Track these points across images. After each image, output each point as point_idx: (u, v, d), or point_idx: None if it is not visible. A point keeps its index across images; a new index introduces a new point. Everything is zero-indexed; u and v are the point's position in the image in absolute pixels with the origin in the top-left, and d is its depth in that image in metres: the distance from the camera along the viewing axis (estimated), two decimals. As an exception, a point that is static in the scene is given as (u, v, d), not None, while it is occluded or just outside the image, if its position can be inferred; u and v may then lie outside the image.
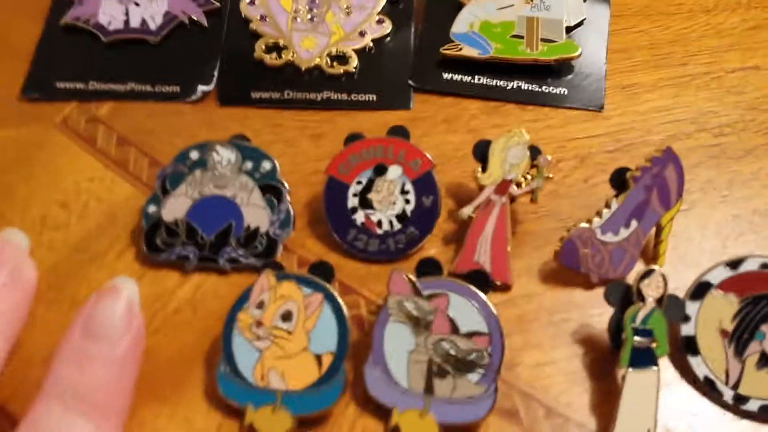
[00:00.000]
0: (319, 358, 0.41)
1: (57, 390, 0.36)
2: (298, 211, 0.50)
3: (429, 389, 0.40)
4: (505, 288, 0.46)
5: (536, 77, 0.56)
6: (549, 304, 0.46)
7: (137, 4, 0.59)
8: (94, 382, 0.37)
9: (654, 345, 0.40)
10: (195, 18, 0.58)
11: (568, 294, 0.46)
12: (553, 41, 0.56)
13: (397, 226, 0.47)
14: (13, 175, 0.52)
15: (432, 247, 0.49)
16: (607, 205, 0.46)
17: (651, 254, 0.47)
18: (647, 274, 0.41)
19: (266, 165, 0.48)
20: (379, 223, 0.48)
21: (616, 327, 0.41)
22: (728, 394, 0.41)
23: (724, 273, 0.43)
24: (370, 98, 0.55)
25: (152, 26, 0.58)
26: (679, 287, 0.45)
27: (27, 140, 0.54)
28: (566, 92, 0.55)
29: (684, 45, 0.58)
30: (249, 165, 0.48)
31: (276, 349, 0.41)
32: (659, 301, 0.41)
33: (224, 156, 0.48)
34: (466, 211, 0.47)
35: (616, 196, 0.46)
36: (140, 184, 0.51)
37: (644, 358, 0.40)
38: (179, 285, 0.47)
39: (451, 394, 0.40)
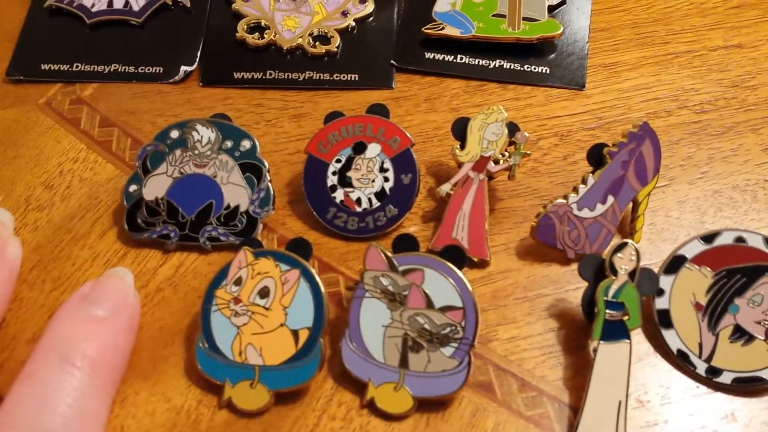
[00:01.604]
0: (295, 334, 0.41)
1: (53, 342, 0.38)
2: (279, 190, 0.50)
3: (404, 363, 0.41)
4: (483, 264, 0.47)
5: (518, 56, 0.56)
6: (525, 279, 0.46)
7: (120, -14, 0.59)
8: (90, 339, 0.39)
9: (626, 318, 0.41)
10: (178, -1, 0.58)
11: (545, 270, 0.46)
12: (536, 20, 0.56)
13: (376, 203, 0.48)
14: (-3, 156, 0.52)
15: (411, 225, 0.49)
16: (584, 181, 0.46)
17: (628, 229, 0.47)
18: (620, 247, 0.41)
19: (246, 143, 0.48)
20: (359, 201, 0.48)
21: (590, 301, 0.42)
22: (701, 367, 0.42)
23: (699, 247, 0.43)
24: (353, 78, 0.55)
25: (135, 7, 0.58)
26: (657, 262, 0.45)
27: (11, 121, 0.54)
28: (548, 71, 0.55)
29: (667, 24, 0.58)
30: (229, 144, 0.48)
31: (253, 325, 0.41)
32: (632, 274, 0.41)
33: (204, 135, 0.48)
34: (445, 188, 0.47)
35: (593, 172, 0.46)
36: (123, 164, 0.52)
37: (616, 331, 0.40)
38: (161, 263, 0.47)
39: (425, 368, 0.41)
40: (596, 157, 0.46)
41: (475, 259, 0.46)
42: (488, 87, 0.55)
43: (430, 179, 0.51)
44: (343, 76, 0.55)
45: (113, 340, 0.40)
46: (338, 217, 0.48)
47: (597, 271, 0.42)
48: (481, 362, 0.43)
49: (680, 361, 0.42)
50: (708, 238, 0.43)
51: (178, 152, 0.48)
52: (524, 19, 0.56)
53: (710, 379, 0.42)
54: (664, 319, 0.43)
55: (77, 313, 0.40)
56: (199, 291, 0.45)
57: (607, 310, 0.41)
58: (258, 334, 0.41)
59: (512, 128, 0.47)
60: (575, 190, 0.46)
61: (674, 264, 0.43)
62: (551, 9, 0.57)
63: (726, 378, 0.41)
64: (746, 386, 0.41)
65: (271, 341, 0.41)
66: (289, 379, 0.41)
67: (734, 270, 0.43)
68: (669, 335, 0.42)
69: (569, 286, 0.45)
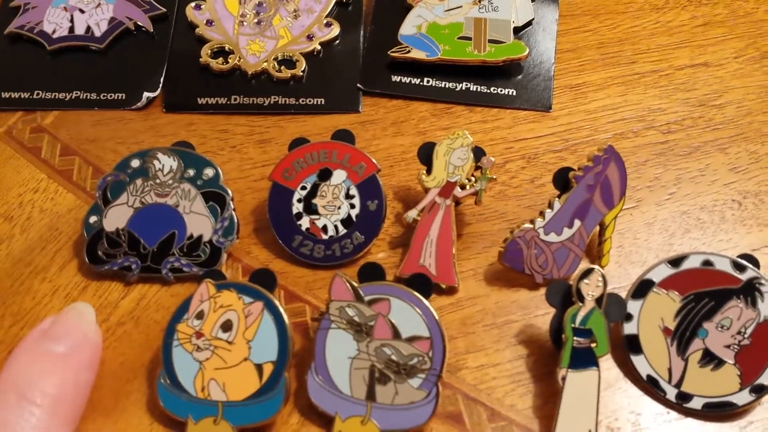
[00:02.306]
0: (259, 368, 0.40)
1: (12, 379, 0.37)
2: (244, 218, 0.49)
3: (371, 395, 0.40)
4: (451, 291, 0.46)
5: (485, 78, 0.56)
6: (494, 305, 0.46)
7: (82, 11, 0.58)
8: (49, 376, 0.38)
9: (594, 345, 0.40)
10: (141, 24, 0.58)
11: (513, 295, 0.46)
12: (501, 42, 0.56)
13: (343, 230, 0.47)
14: (-46, 188, 0.51)
15: (379, 251, 0.48)
16: (550, 206, 0.46)
17: (596, 253, 0.47)
18: (587, 273, 0.41)
19: (209, 172, 0.47)
20: (325, 229, 0.47)
21: (557, 328, 0.41)
22: (671, 393, 0.41)
23: (666, 271, 0.43)
24: (319, 102, 0.55)
25: (97, 33, 0.57)
26: (626, 285, 0.45)
27: (-31, 152, 0.53)
28: (514, 93, 0.55)
29: (633, 43, 0.58)
30: (191, 172, 0.47)
31: (216, 360, 0.40)
32: (599, 300, 0.41)
33: (165, 163, 0.47)
34: (411, 214, 0.47)
35: (559, 196, 0.46)
36: (84, 194, 0.51)
37: (584, 359, 0.40)
38: (122, 296, 0.46)
39: (393, 400, 0.40)
40: (562, 181, 0.46)
41: (444, 286, 0.46)
42: (455, 110, 0.55)
43: (398, 204, 0.50)
44: (309, 101, 0.55)
45: (73, 376, 0.38)
46: (304, 245, 0.47)
47: (564, 297, 0.41)
48: (450, 392, 0.42)
49: (650, 387, 0.42)
50: (675, 261, 0.43)
51: (139, 182, 0.47)
52: (490, 41, 0.56)
53: (680, 404, 0.41)
54: (633, 344, 0.42)
55: (36, 349, 0.39)
56: (161, 324, 0.44)
57: (575, 338, 0.40)
58: (221, 369, 0.40)
59: (478, 153, 0.47)
60: (542, 214, 0.46)
61: (642, 288, 0.43)
62: (517, 31, 0.57)
63: (696, 403, 0.41)
64: (717, 411, 0.41)
65: (234, 376, 0.40)
66: (254, 414, 0.40)
67: (702, 294, 0.43)
68: (638, 361, 0.42)
69: (538, 311, 0.45)
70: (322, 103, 0.55)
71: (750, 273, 0.43)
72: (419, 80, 0.56)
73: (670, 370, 0.42)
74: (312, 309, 0.45)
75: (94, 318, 0.42)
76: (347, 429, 0.40)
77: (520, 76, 0.56)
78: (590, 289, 0.41)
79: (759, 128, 0.54)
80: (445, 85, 0.56)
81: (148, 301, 0.46)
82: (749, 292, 0.42)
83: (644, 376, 0.42)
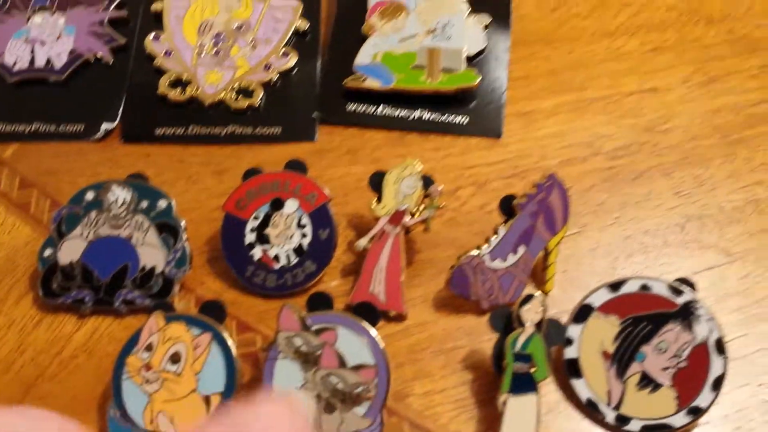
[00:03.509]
0: (207, 400, 0.41)
1: None
2: (199, 248, 0.50)
3: (317, 425, 0.41)
4: (400, 318, 0.47)
5: (438, 106, 0.57)
6: (441, 332, 0.47)
7: (43, 44, 0.59)
8: None
9: (534, 370, 0.41)
10: (100, 55, 0.58)
11: (460, 321, 0.47)
12: (454, 71, 0.57)
13: (295, 260, 0.48)
14: None
15: (332, 279, 0.49)
16: (495, 232, 0.47)
17: (541, 278, 0.48)
18: (527, 299, 0.42)
19: (162, 203, 0.48)
20: (277, 258, 0.48)
21: (500, 353, 0.42)
22: (611, 416, 0.43)
23: (606, 295, 0.44)
24: (275, 131, 0.56)
25: (58, 65, 0.58)
26: (569, 310, 0.46)
27: (-73, 185, 0.53)
28: (467, 121, 0.56)
29: (584, 70, 0.60)
30: (144, 204, 0.48)
31: (165, 392, 0.41)
32: (539, 325, 0.42)
33: (119, 196, 0.48)
34: (362, 242, 0.48)
35: (504, 223, 0.47)
36: (41, 227, 0.51)
37: (525, 384, 0.41)
38: (76, 329, 0.47)
39: (338, 429, 0.41)
40: (506, 208, 0.47)
41: (392, 313, 0.47)
42: (409, 137, 0.56)
43: (352, 232, 0.52)
44: (266, 130, 0.56)
45: None
46: (257, 275, 0.48)
47: (507, 323, 0.43)
48: (397, 419, 0.43)
49: (590, 410, 0.43)
50: (614, 286, 0.45)
51: (93, 214, 0.48)
52: (443, 70, 0.57)
53: (619, 427, 0.42)
54: (574, 368, 0.43)
55: None
56: (113, 356, 0.45)
57: (515, 363, 0.41)
58: (169, 401, 0.41)
59: (427, 181, 0.48)
60: (487, 241, 0.47)
61: (582, 313, 0.44)
62: (470, 59, 0.58)
63: (635, 426, 0.42)
64: (654, 433, 0.42)
65: (182, 408, 0.41)
66: (201, 445, 0.40)
67: (640, 317, 0.44)
68: (578, 384, 0.43)
69: (483, 336, 0.46)
70: (279, 132, 0.56)
71: (686, 297, 0.44)
72: (374, 109, 0.57)
73: (609, 393, 0.43)
74: (263, 339, 0.46)
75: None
76: (294, 457, 0.40)
77: (472, 104, 0.57)
78: (531, 315, 0.42)
79: (703, 153, 0.55)
80: (400, 113, 0.57)
81: (101, 333, 0.47)
82: (685, 315, 0.44)
83: (584, 400, 0.43)
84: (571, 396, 0.44)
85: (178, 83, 0.57)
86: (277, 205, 0.49)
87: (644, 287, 0.45)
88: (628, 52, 0.61)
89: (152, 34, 0.59)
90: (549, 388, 0.44)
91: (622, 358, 0.43)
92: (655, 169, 0.54)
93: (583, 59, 0.60)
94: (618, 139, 0.56)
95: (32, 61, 0.58)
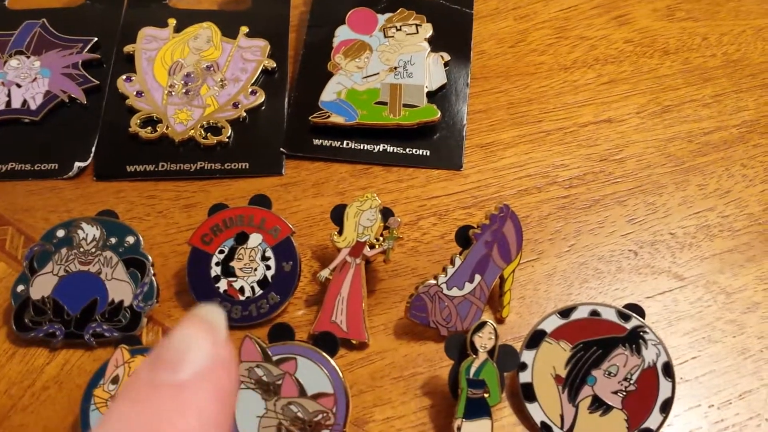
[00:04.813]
0: (171, 428, 0.42)
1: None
2: (167, 281, 0.52)
3: (278, 452, 0.42)
4: (362, 346, 0.49)
5: (401, 140, 0.59)
6: (402, 359, 0.48)
7: (19, 86, 0.61)
8: (172, 420, 0.25)
9: (487, 395, 0.43)
10: (74, 96, 0.61)
11: (420, 348, 0.49)
12: (415, 106, 0.59)
13: (259, 291, 0.50)
14: None
15: (296, 309, 0.51)
16: (452, 262, 0.49)
17: (498, 305, 0.50)
18: (479, 327, 0.44)
19: (130, 239, 0.50)
20: (242, 290, 0.50)
21: (455, 379, 0.44)
22: (563, 438, 0.44)
23: (557, 321, 0.46)
24: (243, 166, 0.58)
25: (33, 106, 0.60)
26: (526, 335, 0.48)
27: None
28: (428, 153, 0.59)
29: (541, 103, 0.62)
30: (113, 240, 0.50)
31: (130, 421, 0.42)
32: (491, 352, 0.43)
33: (89, 233, 0.50)
34: (324, 273, 0.50)
35: (460, 253, 0.49)
36: (15, 262, 0.53)
37: (478, 408, 0.43)
38: (47, 362, 0.48)
39: (298, 455, 0.42)
40: (462, 238, 0.49)
41: (354, 342, 0.48)
42: (373, 170, 0.58)
43: (316, 263, 0.53)
44: (234, 165, 0.58)
45: (209, 412, 0.25)
46: (222, 306, 0.49)
47: (461, 349, 0.44)
48: (357, 445, 0.45)
49: (544, 433, 0.44)
50: (565, 312, 0.46)
51: (63, 251, 0.50)
52: (405, 105, 0.59)
53: (572, 449, 0.44)
54: (528, 392, 0.45)
55: (147, 387, 0.25)
56: (83, 388, 0.46)
57: (469, 389, 0.43)
58: None
59: (386, 214, 0.50)
60: (444, 270, 0.49)
61: (535, 338, 0.46)
62: (432, 95, 0.61)
63: (587, 447, 0.44)
64: (606, 454, 0.44)
65: (146, 438, 0.42)
66: (165, 474, 0.41)
67: (590, 342, 0.45)
68: (533, 408, 0.45)
69: (442, 363, 0.48)
70: (247, 167, 0.58)
71: (634, 322, 0.46)
72: (339, 143, 0.59)
73: (562, 417, 0.44)
74: (229, 368, 0.48)
75: (224, 325, 0.28)
76: (256, 485, 0.42)
77: (434, 137, 0.59)
78: (483, 342, 0.44)
79: (657, 180, 0.58)
80: (364, 147, 0.59)
81: (72, 365, 0.48)
82: (634, 340, 0.45)
83: (538, 423, 0.44)
84: (525, 419, 0.45)
85: (149, 122, 0.59)
86: (242, 239, 0.51)
87: (594, 313, 0.46)
88: (584, 85, 0.64)
89: (124, 76, 0.61)
90: (505, 411, 0.46)
91: (573, 382, 0.45)
92: (610, 198, 0.57)
93: (540, 92, 0.63)
94: (573, 169, 0.58)
95: (8, 103, 0.60)
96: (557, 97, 0.63)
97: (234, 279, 0.50)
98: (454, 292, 0.48)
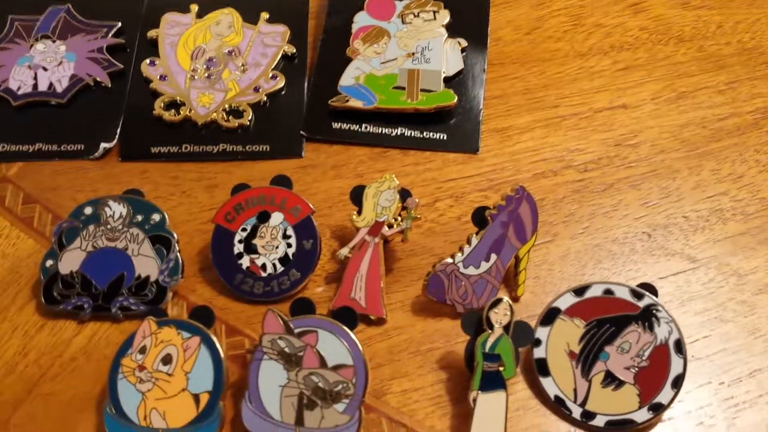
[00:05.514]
0: (196, 398, 0.44)
1: None
2: (191, 258, 0.53)
3: (300, 421, 0.44)
4: (380, 321, 0.50)
5: (418, 124, 0.60)
6: (419, 334, 0.49)
7: (45, 69, 0.63)
8: None
9: (502, 369, 0.44)
10: (99, 80, 0.62)
11: (437, 324, 0.50)
12: (432, 91, 0.60)
13: (280, 268, 0.51)
14: None
15: (316, 286, 0.52)
16: (468, 242, 0.50)
17: (513, 284, 0.51)
18: (495, 303, 0.45)
19: (156, 217, 0.51)
20: (264, 267, 0.51)
21: (471, 353, 0.45)
22: (577, 411, 0.45)
23: (571, 299, 0.47)
24: (264, 148, 0.59)
25: (59, 89, 0.62)
26: (539, 313, 0.49)
27: (-64, 202, 0.57)
28: (445, 137, 0.60)
29: (557, 88, 0.63)
30: (139, 217, 0.51)
31: (157, 390, 0.44)
32: (507, 327, 0.45)
33: (116, 210, 0.51)
34: (343, 251, 0.51)
35: (477, 232, 0.50)
36: (43, 239, 0.55)
37: (493, 382, 0.44)
38: (75, 334, 0.50)
39: (319, 425, 0.43)
40: (479, 219, 0.50)
41: (373, 318, 0.50)
42: (391, 153, 0.59)
43: (335, 242, 0.55)
44: (255, 147, 0.59)
45: None
46: (245, 282, 0.51)
47: (477, 325, 0.45)
48: (375, 415, 0.46)
49: (557, 407, 0.45)
50: (579, 291, 0.47)
51: (91, 227, 0.51)
52: (422, 90, 0.60)
53: (585, 422, 0.45)
54: (542, 367, 0.46)
55: None
56: (110, 359, 0.47)
57: (485, 362, 0.44)
58: (161, 399, 0.44)
59: (404, 194, 0.51)
60: (461, 249, 0.50)
61: (549, 316, 0.47)
62: (448, 80, 0.62)
63: (599, 421, 0.45)
64: (618, 428, 0.45)
65: (173, 405, 0.44)
66: (191, 440, 0.43)
67: (604, 320, 0.47)
68: (546, 382, 0.46)
69: (458, 338, 0.49)
70: (268, 149, 0.59)
71: (647, 300, 0.47)
72: (358, 127, 0.60)
73: (575, 391, 0.45)
74: (251, 342, 0.49)
75: None
76: (277, 452, 0.43)
77: (450, 122, 0.60)
78: (498, 318, 0.45)
79: (670, 165, 0.59)
80: (382, 130, 0.60)
81: (99, 337, 0.49)
82: (647, 317, 0.46)
83: (552, 397, 0.45)
84: (539, 393, 0.46)
85: (173, 105, 0.61)
86: (264, 217, 0.52)
87: (608, 291, 0.47)
88: (599, 71, 0.65)
89: (148, 60, 0.63)
90: (519, 386, 0.47)
91: (587, 357, 0.46)
92: (624, 182, 0.57)
93: (556, 78, 0.64)
94: (588, 153, 0.59)
95: (35, 86, 0.62)
96: (573, 83, 0.64)
97: (256, 256, 0.51)
98: (471, 270, 0.49)
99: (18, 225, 0.56)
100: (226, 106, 0.61)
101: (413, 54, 0.62)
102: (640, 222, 0.55)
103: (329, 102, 0.60)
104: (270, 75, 0.62)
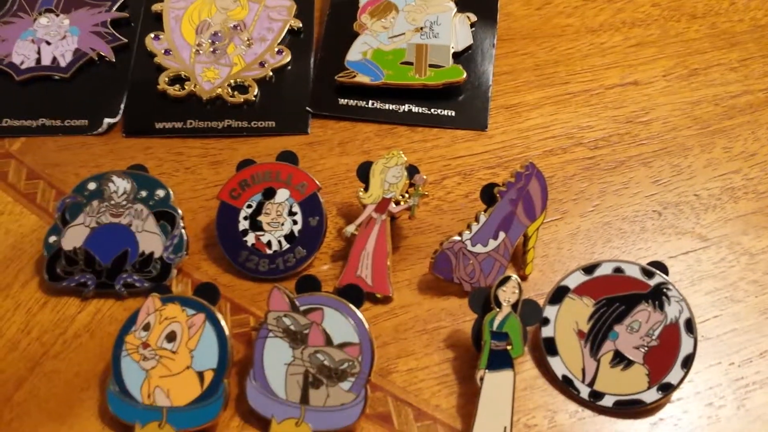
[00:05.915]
0: (201, 375, 0.43)
1: None
2: (196, 235, 0.53)
3: (305, 399, 0.43)
4: (387, 300, 0.49)
5: (426, 100, 0.59)
6: (425, 313, 0.49)
7: (48, 43, 0.62)
8: None
9: (509, 347, 0.43)
10: (103, 54, 0.61)
11: (443, 303, 0.49)
12: (441, 67, 0.59)
13: (286, 245, 0.50)
14: (-76, 212, 0.54)
15: (322, 264, 0.52)
16: (476, 219, 0.49)
17: (521, 262, 0.50)
18: (503, 281, 0.44)
19: (160, 192, 0.51)
20: (269, 244, 0.51)
21: (478, 332, 0.44)
22: (585, 391, 0.45)
23: (580, 278, 0.47)
24: (270, 124, 0.58)
25: (62, 63, 0.61)
26: (549, 292, 0.48)
27: (-61, 177, 0.56)
28: (453, 114, 0.59)
29: (567, 65, 0.62)
30: (144, 193, 0.51)
31: (161, 368, 0.44)
32: (515, 306, 0.44)
33: (120, 186, 0.51)
34: (349, 229, 0.50)
35: (485, 210, 0.49)
36: (46, 215, 0.54)
37: (501, 360, 0.43)
38: (79, 311, 0.49)
39: (325, 403, 0.43)
40: (488, 196, 0.49)
41: (379, 296, 0.49)
42: (398, 130, 0.58)
43: (341, 220, 0.54)
44: (261, 123, 0.58)
45: None
46: (250, 260, 0.50)
47: (485, 303, 0.45)
48: (381, 394, 0.45)
49: (565, 386, 0.45)
50: (589, 269, 0.47)
51: (95, 203, 0.51)
52: (430, 66, 0.59)
53: (593, 402, 0.44)
54: (550, 346, 0.45)
55: None
56: (114, 336, 0.47)
57: (492, 341, 0.43)
58: (165, 377, 0.44)
59: (411, 171, 0.51)
60: (469, 227, 0.49)
61: (558, 294, 0.46)
62: (457, 55, 0.61)
63: (608, 401, 0.44)
64: (627, 408, 0.44)
65: (177, 383, 0.43)
66: (195, 418, 0.43)
67: (613, 299, 0.46)
68: (554, 362, 0.45)
69: (465, 317, 0.48)
70: (273, 125, 0.58)
71: (657, 279, 0.46)
72: (365, 103, 0.59)
73: (583, 371, 0.45)
74: (255, 320, 0.49)
75: None
76: (282, 431, 0.43)
77: (459, 98, 0.59)
78: (507, 296, 0.44)
79: (682, 142, 0.58)
80: (389, 107, 0.59)
81: (103, 314, 0.49)
82: (657, 296, 0.46)
83: (560, 376, 0.45)
84: (547, 372, 0.46)
85: (177, 80, 0.60)
86: (269, 194, 0.51)
87: (618, 270, 0.47)
88: (610, 48, 0.63)
89: (152, 34, 0.62)
90: (527, 365, 0.46)
91: (595, 337, 0.45)
92: (635, 159, 0.56)
93: (566, 54, 0.63)
94: (599, 131, 0.58)
95: (38, 60, 0.61)
96: (584, 59, 0.63)
97: (261, 233, 0.51)
98: (479, 248, 0.49)
99: (21, 201, 0.55)
100: (232, 81, 0.60)
101: (421, 28, 0.61)
102: (650, 200, 0.54)
103: (336, 77, 0.59)
104: (276, 50, 0.61)
